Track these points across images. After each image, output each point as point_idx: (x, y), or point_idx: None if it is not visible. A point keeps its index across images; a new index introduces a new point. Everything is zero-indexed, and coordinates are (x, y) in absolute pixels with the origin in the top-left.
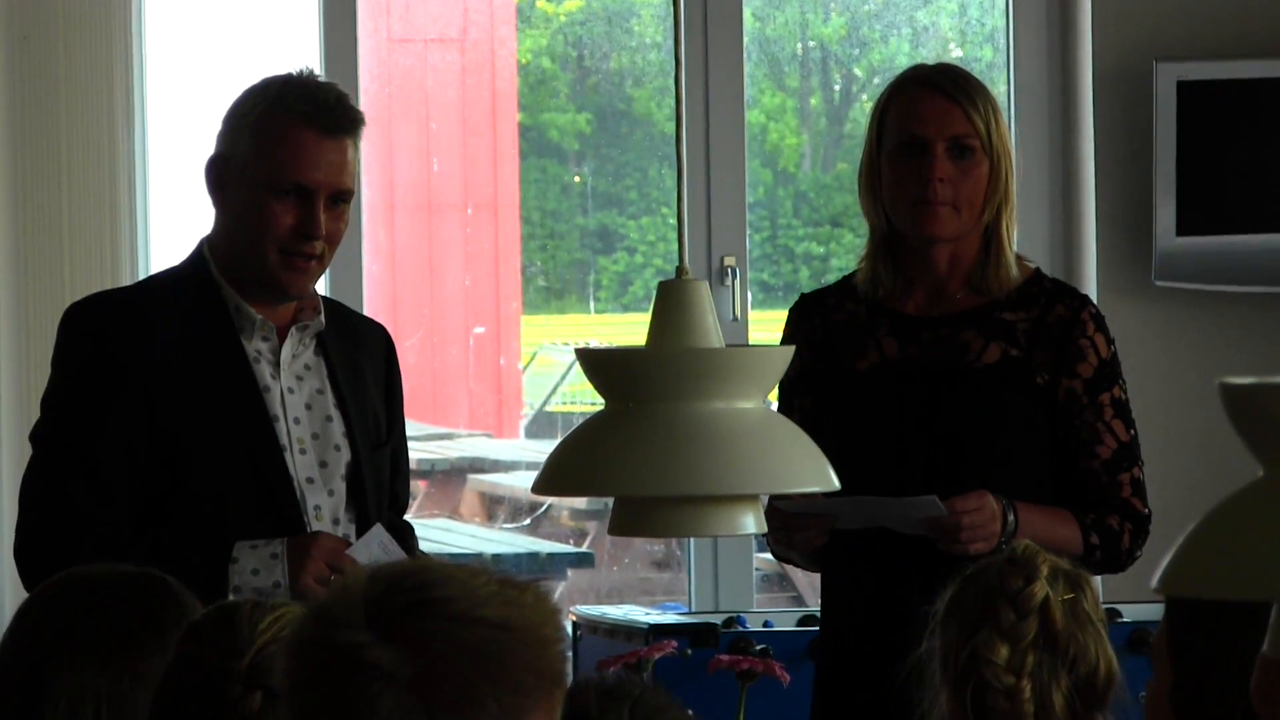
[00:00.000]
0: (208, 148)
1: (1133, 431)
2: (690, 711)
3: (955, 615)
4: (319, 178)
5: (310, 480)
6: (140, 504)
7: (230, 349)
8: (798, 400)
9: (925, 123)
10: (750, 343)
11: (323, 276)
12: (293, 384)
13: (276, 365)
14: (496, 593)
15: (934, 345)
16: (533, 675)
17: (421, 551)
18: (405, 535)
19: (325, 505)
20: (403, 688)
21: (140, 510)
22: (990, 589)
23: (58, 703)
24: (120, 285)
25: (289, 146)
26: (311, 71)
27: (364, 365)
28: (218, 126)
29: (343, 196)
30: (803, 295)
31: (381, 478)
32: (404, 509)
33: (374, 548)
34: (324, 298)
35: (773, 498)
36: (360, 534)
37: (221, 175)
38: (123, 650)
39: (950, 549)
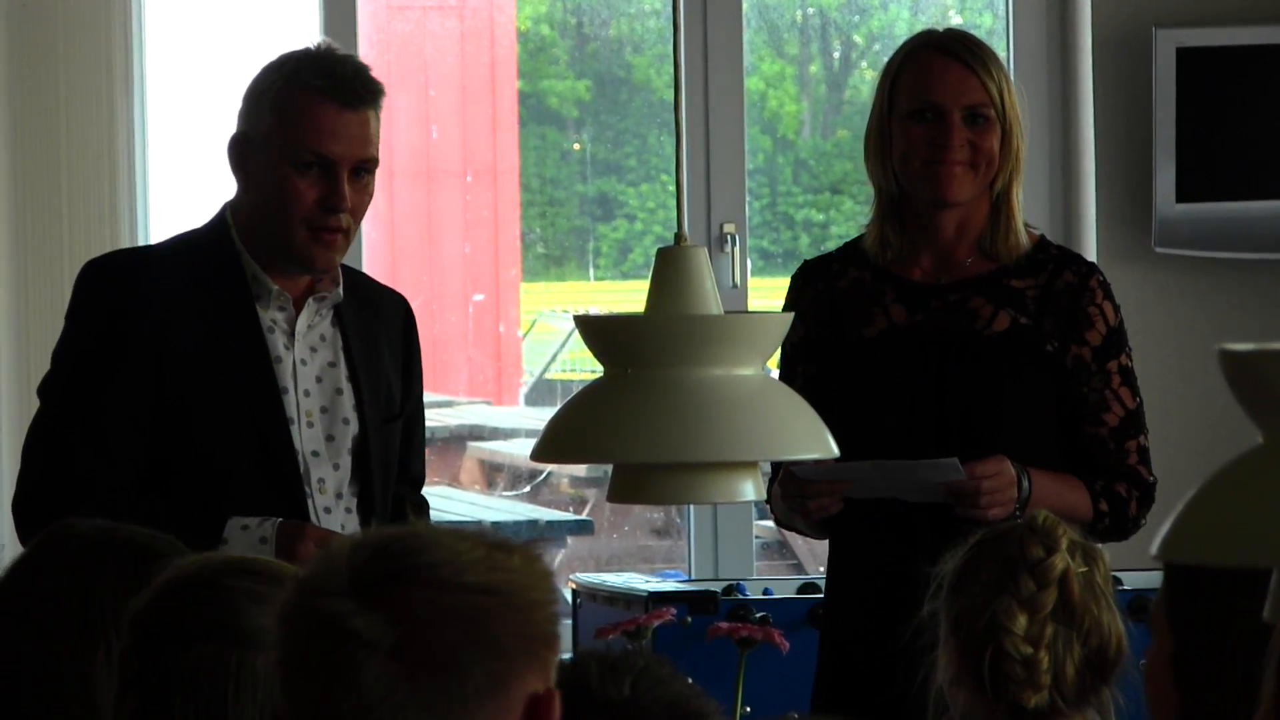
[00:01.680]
0: (206, 113)
1: (1138, 399)
2: (690, 680)
3: (971, 581)
4: (340, 150)
5: (316, 453)
6: (143, 467)
7: (245, 317)
8: (801, 367)
9: (942, 91)
10: (749, 309)
11: None
12: (306, 355)
13: (291, 336)
14: (483, 557)
15: (943, 312)
16: (520, 640)
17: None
18: (420, 511)
19: (330, 479)
20: (385, 655)
21: (143, 473)
22: (1010, 557)
23: (32, 677)
24: (122, 247)
25: (309, 120)
26: (330, 45)
27: (380, 337)
28: (217, 92)
29: (366, 167)
30: (805, 262)
31: (390, 452)
32: (419, 481)
33: None
34: (344, 267)
35: (788, 464)
36: (363, 509)
37: (244, 153)
38: (96, 624)
39: (968, 514)
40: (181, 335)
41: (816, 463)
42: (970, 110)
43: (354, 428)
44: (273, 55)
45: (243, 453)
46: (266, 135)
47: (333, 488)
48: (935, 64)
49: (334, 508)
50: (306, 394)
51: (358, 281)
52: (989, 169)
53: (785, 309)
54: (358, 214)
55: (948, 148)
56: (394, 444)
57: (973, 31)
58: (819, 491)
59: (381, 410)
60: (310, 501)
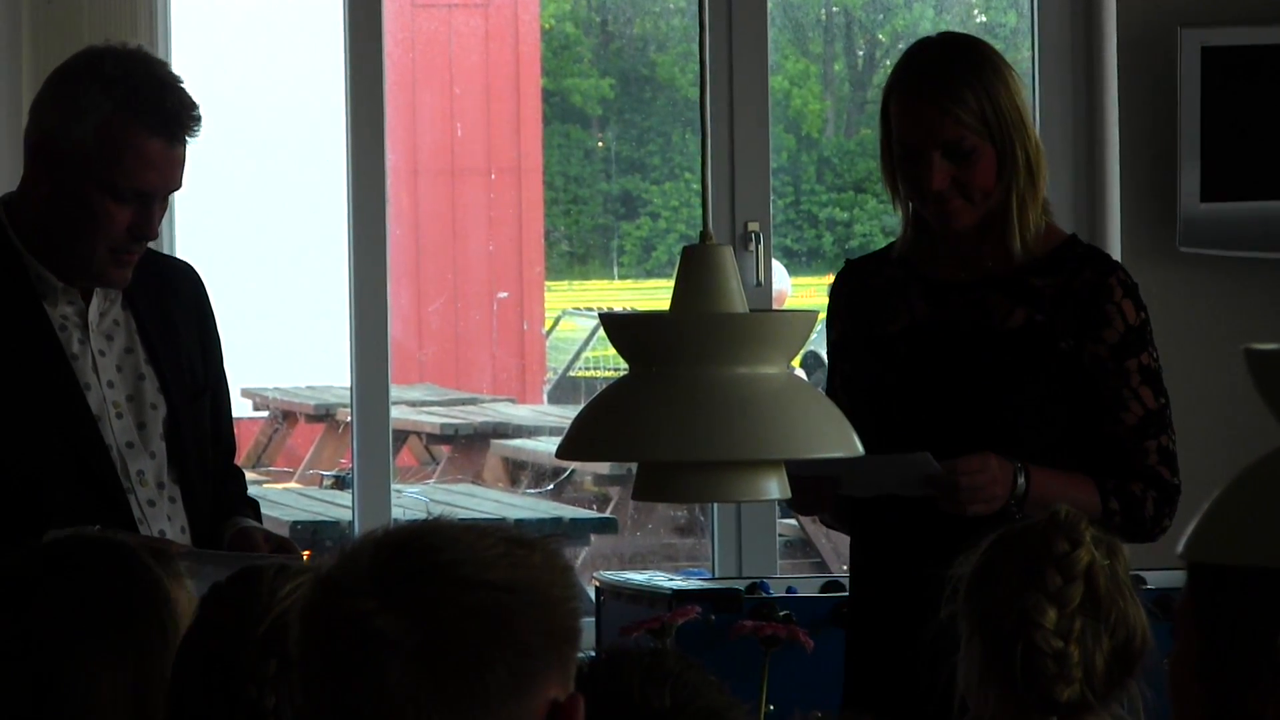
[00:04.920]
0: (233, 115)
1: (1163, 400)
2: (717, 681)
3: (993, 579)
4: (159, 182)
5: (130, 445)
6: None
7: (34, 318)
8: (840, 365)
9: (916, 133)
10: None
11: (345, 239)
12: (103, 346)
13: (85, 329)
14: (503, 554)
15: (962, 309)
16: (542, 637)
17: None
18: (239, 483)
19: (148, 469)
20: (409, 655)
21: None
22: (1034, 553)
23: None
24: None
25: (134, 155)
26: (148, 57)
27: (174, 312)
28: (242, 88)
29: (175, 190)
30: (847, 261)
31: (201, 429)
32: (231, 449)
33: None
34: None
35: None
36: (186, 495)
37: (50, 160)
38: (100, 629)
39: (949, 509)
40: None
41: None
42: (947, 146)
43: (163, 410)
44: (293, 54)
45: (53, 458)
46: (84, 154)
47: (153, 478)
48: (908, 105)
49: (157, 499)
50: (110, 385)
51: (145, 258)
52: (985, 195)
53: (828, 308)
54: (158, 231)
55: (931, 190)
56: (205, 420)
57: (996, 30)
58: (805, 488)
59: (187, 386)
60: (133, 497)
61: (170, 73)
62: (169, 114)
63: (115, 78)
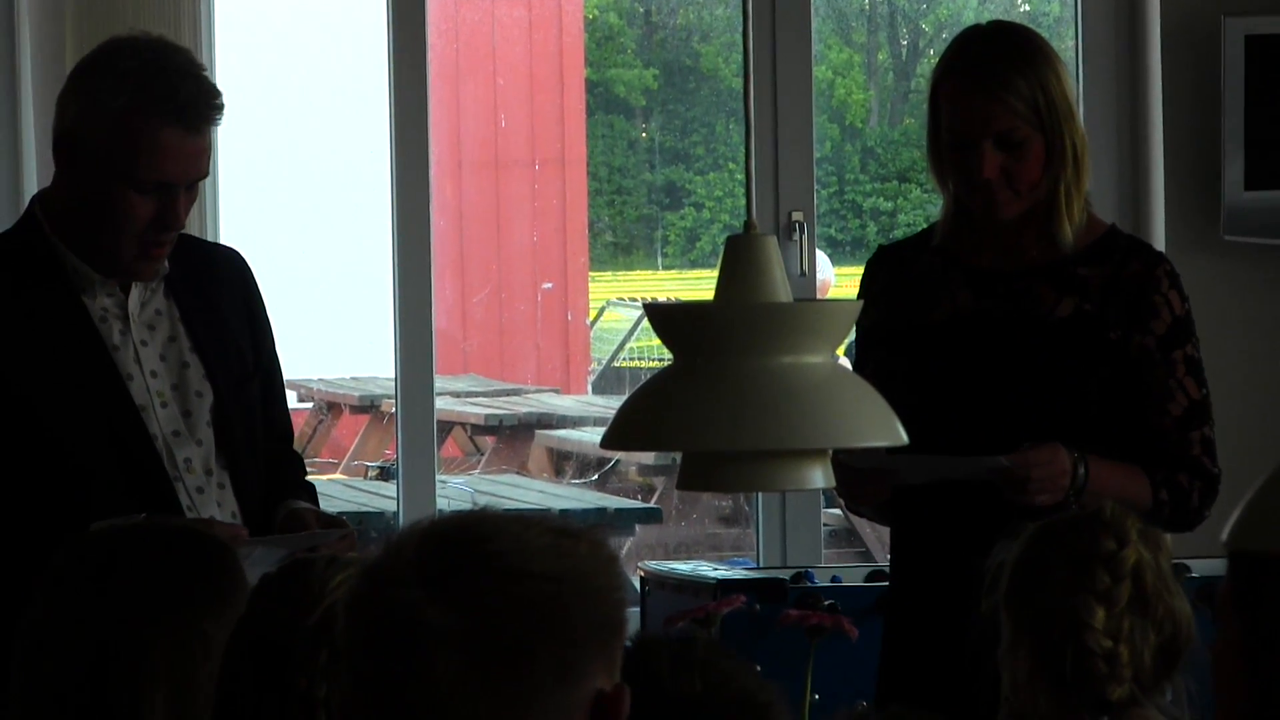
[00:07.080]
0: (277, 108)
1: (1204, 390)
2: (751, 664)
3: (1040, 578)
4: (181, 171)
5: (176, 433)
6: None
7: (73, 311)
8: (872, 352)
9: (968, 124)
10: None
11: (389, 230)
12: (145, 336)
13: (126, 320)
14: (549, 545)
15: (1008, 299)
16: (588, 627)
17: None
18: (295, 468)
19: (195, 456)
20: (455, 645)
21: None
22: (1082, 553)
23: (122, 664)
24: None
25: (152, 146)
26: (165, 45)
27: (220, 298)
28: (285, 84)
29: (200, 179)
30: (880, 247)
31: (250, 413)
32: (287, 433)
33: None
34: None
35: (837, 453)
36: (235, 480)
37: (73, 154)
38: (191, 610)
39: (1016, 499)
40: (11, 338)
41: (864, 451)
42: (1000, 137)
43: (209, 398)
44: (336, 47)
45: (99, 450)
46: (104, 149)
47: (200, 465)
48: (960, 94)
49: (206, 486)
50: (154, 375)
51: (188, 246)
52: (1031, 187)
53: (860, 293)
54: (184, 220)
55: (980, 180)
56: (253, 404)
57: (1040, 20)
58: (865, 481)
59: (234, 372)
60: (180, 484)
61: (189, 60)
62: (184, 102)
63: (130, 70)
